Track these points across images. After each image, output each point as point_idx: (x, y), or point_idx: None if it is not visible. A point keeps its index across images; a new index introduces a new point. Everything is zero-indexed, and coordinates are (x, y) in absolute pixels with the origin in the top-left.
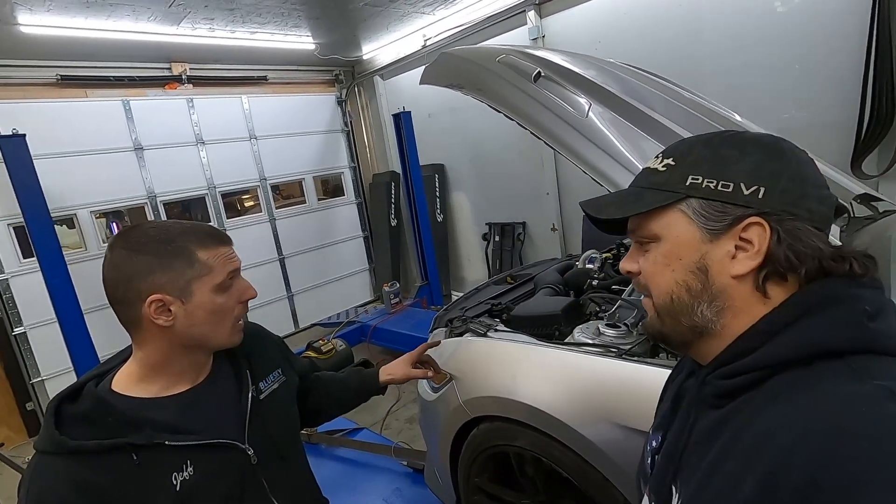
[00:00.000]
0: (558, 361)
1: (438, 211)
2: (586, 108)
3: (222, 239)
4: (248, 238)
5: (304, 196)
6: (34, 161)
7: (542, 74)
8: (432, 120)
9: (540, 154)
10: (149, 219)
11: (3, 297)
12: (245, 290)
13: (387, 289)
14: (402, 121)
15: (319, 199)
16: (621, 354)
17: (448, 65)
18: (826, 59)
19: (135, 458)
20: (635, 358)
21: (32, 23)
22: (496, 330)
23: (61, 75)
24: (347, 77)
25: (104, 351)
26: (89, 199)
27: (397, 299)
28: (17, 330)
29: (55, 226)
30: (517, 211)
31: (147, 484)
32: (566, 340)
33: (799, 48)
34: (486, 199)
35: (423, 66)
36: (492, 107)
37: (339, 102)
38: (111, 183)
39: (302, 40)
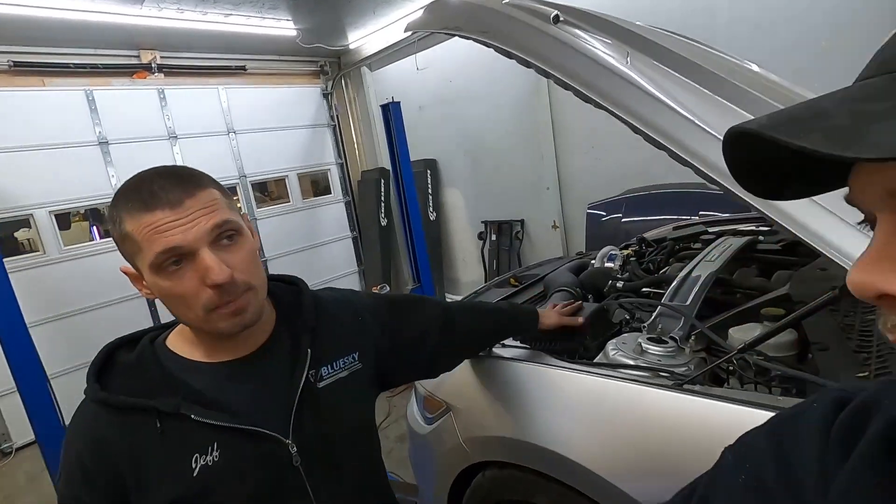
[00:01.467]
0: (589, 390)
1: (431, 209)
2: (625, 51)
3: (152, 201)
4: None
5: (288, 194)
6: None
7: (562, 18)
8: (423, 113)
9: (539, 146)
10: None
11: None
12: (206, 271)
13: (375, 292)
14: (391, 112)
15: (304, 198)
16: (682, 384)
17: (442, 11)
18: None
19: (158, 425)
20: (698, 388)
21: None
22: (502, 344)
23: (14, 62)
24: (333, 68)
25: (54, 368)
26: (48, 198)
27: None
28: None
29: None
30: (515, 208)
31: (163, 458)
32: (597, 359)
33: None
34: (482, 196)
35: (413, 55)
36: (502, 51)
37: (325, 95)
38: (73, 181)
39: (282, 25)
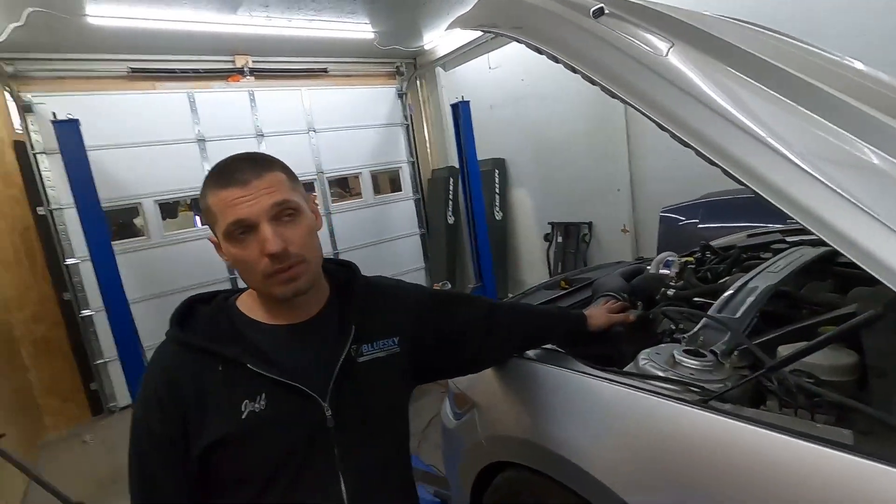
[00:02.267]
0: (611, 399)
1: (497, 208)
2: (666, 47)
3: (228, 180)
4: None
5: (361, 191)
6: (106, 151)
7: (606, 11)
8: (494, 112)
9: (611, 146)
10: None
11: (73, 280)
12: (264, 242)
13: (437, 289)
14: (460, 111)
15: (377, 195)
16: (707, 400)
17: (485, 8)
18: None
19: (220, 368)
20: (729, 408)
21: (99, 13)
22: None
23: (131, 68)
24: (409, 69)
25: (151, 340)
26: (153, 189)
27: None
28: (85, 312)
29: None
30: (583, 209)
31: (220, 398)
32: (627, 368)
33: None
34: (549, 197)
35: (486, 54)
36: (534, 47)
37: (400, 95)
38: (175, 174)
39: (360, 28)
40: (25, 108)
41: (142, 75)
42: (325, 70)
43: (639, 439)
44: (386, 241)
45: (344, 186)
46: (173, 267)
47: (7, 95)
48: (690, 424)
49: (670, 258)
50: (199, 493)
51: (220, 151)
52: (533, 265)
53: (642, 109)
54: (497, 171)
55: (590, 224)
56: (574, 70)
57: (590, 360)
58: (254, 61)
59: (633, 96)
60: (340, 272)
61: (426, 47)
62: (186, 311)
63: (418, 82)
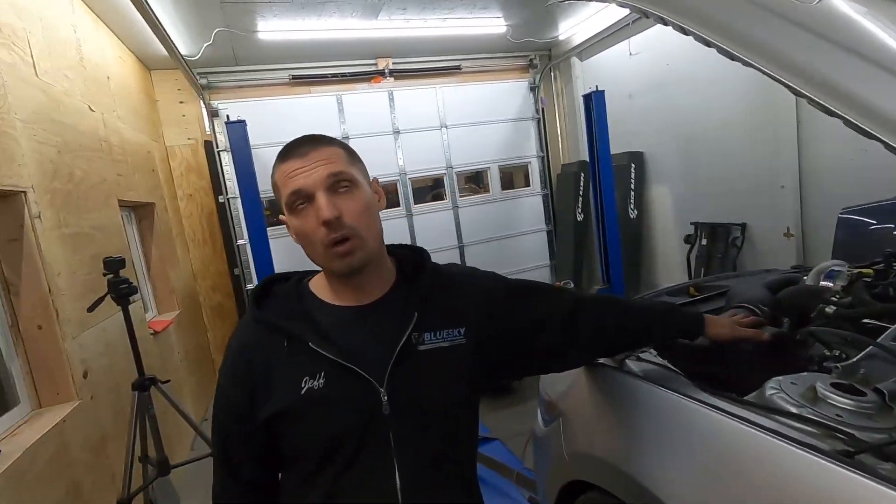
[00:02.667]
0: (720, 433)
1: (632, 206)
2: None
3: (289, 154)
4: (431, 224)
5: (488, 185)
6: (267, 149)
7: None
8: (633, 101)
9: (775, 135)
10: None
11: (241, 258)
12: (318, 209)
13: (558, 286)
14: (593, 101)
15: (504, 190)
16: (856, 453)
17: None
18: None
19: (286, 344)
20: (890, 469)
21: (266, 29)
22: (639, 358)
23: (292, 75)
24: (543, 61)
25: None
26: None
27: None
28: (249, 286)
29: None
30: (735, 209)
31: (284, 371)
32: (748, 397)
33: None
34: (694, 194)
35: (627, 40)
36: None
37: (532, 88)
38: None
39: (493, 23)
40: (213, 113)
41: (300, 81)
42: (458, 67)
43: (753, 491)
44: (511, 237)
45: (478, 182)
46: None
47: (201, 103)
48: (829, 484)
49: (836, 268)
50: (268, 461)
51: (362, 148)
52: (670, 269)
53: (796, 86)
54: (633, 165)
55: (743, 225)
56: (708, 44)
57: (707, 382)
58: (393, 63)
59: (778, 67)
60: (410, 257)
61: (561, 37)
62: (264, 289)
63: (552, 74)
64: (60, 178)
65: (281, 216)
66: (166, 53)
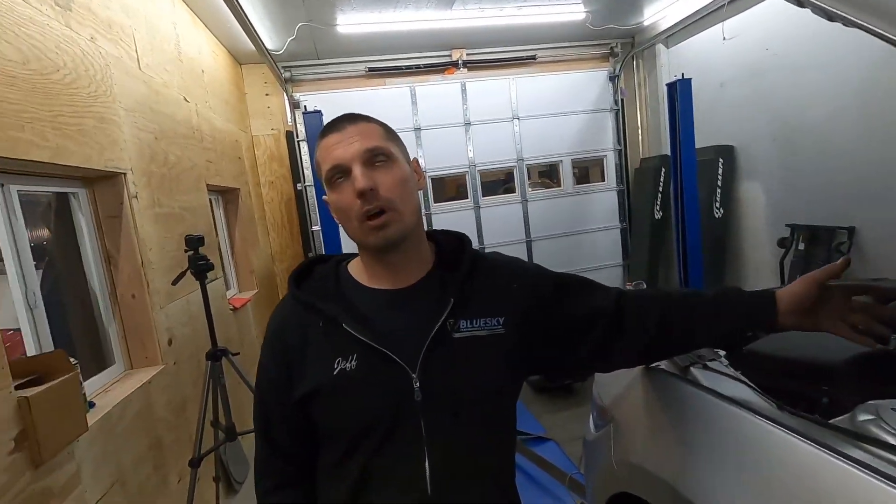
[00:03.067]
0: (802, 464)
1: (717, 204)
2: None
3: (328, 130)
4: (499, 217)
5: (560, 179)
6: None
7: None
8: (724, 91)
9: (894, 125)
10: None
11: (315, 244)
12: (354, 180)
13: (629, 288)
14: (678, 91)
15: (576, 184)
16: None
17: None
18: None
19: (321, 324)
20: None
21: (345, 22)
22: (706, 366)
23: (369, 68)
24: (625, 49)
25: None
26: None
27: None
28: None
29: None
30: (841, 211)
31: (318, 351)
32: (835, 421)
33: None
34: (792, 193)
35: (721, 23)
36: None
37: (611, 78)
38: None
39: (571, 9)
40: (294, 105)
41: (376, 73)
42: (533, 57)
43: None
44: (582, 233)
45: (551, 176)
46: None
47: (284, 95)
48: None
49: None
50: (306, 439)
51: (432, 139)
52: (760, 275)
53: None
54: (721, 160)
55: (850, 229)
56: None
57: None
58: (467, 54)
59: None
60: (450, 243)
61: (646, 23)
62: (305, 269)
63: (634, 63)
64: (156, 162)
65: (324, 197)
66: (254, 48)
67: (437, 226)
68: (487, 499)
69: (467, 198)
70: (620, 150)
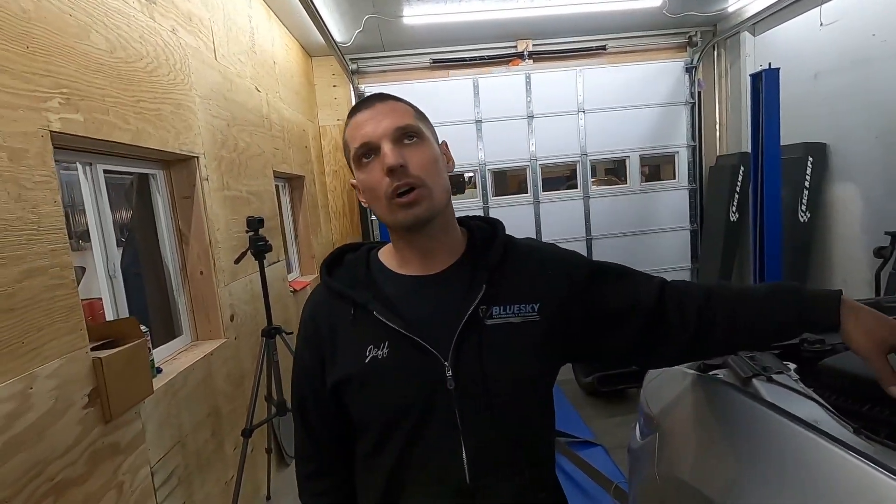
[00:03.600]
0: (882, 500)
1: (804, 208)
2: None
3: (357, 108)
4: (559, 214)
5: (626, 176)
6: None
7: None
8: (818, 82)
9: None
10: (476, 186)
11: (372, 232)
12: (384, 157)
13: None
14: (764, 81)
15: (643, 182)
16: None
17: None
18: None
19: (352, 312)
20: None
21: (411, 13)
22: (770, 379)
23: (433, 59)
24: (705, 37)
25: None
26: None
27: None
28: None
29: None
30: None
31: (350, 338)
32: None
33: None
34: (895, 196)
35: (818, 7)
36: None
37: (688, 69)
38: (454, 152)
39: None
40: (360, 96)
41: (440, 65)
42: (603, 47)
43: None
44: (647, 234)
45: (617, 173)
46: None
47: (350, 87)
48: None
49: None
50: (341, 426)
51: (493, 132)
52: (851, 286)
53: None
54: (811, 159)
55: None
56: None
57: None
58: (533, 44)
59: None
60: (482, 228)
61: (730, 9)
62: (336, 257)
63: (715, 52)
64: (227, 148)
65: (352, 181)
66: (324, 41)
67: None
68: (528, 487)
69: (527, 192)
70: (695, 146)
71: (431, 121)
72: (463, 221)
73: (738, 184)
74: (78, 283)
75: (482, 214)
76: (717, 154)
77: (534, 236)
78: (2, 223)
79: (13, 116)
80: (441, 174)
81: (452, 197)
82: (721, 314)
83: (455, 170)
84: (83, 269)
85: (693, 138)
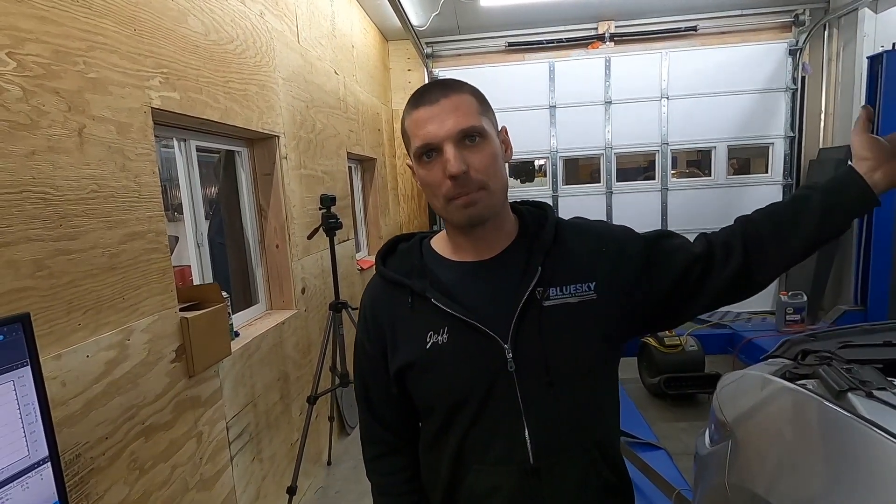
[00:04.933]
0: None
1: None
2: None
3: (420, 101)
4: (634, 205)
5: (711, 167)
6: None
7: None
8: None
9: None
10: (548, 174)
11: (438, 218)
12: (446, 163)
13: (784, 298)
14: (885, 64)
15: (731, 174)
16: None
17: None
18: None
19: (410, 300)
20: None
21: None
22: (871, 395)
23: (508, 43)
24: (815, 15)
25: None
26: None
27: (798, 317)
28: None
29: None
30: None
31: (409, 326)
32: None
33: None
34: None
35: None
36: None
37: (792, 52)
38: (526, 138)
39: None
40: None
41: (515, 48)
42: (694, 28)
43: None
44: None
45: (700, 166)
46: None
47: (424, 70)
48: None
49: None
50: (405, 409)
51: (567, 118)
52: None
53: None
54: None
55: None
56: None
57: None
58: (616, 26)
59: None
60: (533, 213)
61: None
62: (391, 247)
63: (826, 32)
64: (305, 128)
65: (408, 162)
66: (401, 25)
67: (563, 209)
68: (593, 467)
69: (599, 182)
70: (794, 137)
71: (502, 106)
72: (513, 207)
73: None
74: (171, 252)
75: (543, 202)
76: (821, 147)
77: None
78: (109, 190)
79: (121, 93)
80: (500, 171)
81: (521, 185)
82: (764, 227)
83: (525, 157)
84: (177, 239)
85: (792, 128)
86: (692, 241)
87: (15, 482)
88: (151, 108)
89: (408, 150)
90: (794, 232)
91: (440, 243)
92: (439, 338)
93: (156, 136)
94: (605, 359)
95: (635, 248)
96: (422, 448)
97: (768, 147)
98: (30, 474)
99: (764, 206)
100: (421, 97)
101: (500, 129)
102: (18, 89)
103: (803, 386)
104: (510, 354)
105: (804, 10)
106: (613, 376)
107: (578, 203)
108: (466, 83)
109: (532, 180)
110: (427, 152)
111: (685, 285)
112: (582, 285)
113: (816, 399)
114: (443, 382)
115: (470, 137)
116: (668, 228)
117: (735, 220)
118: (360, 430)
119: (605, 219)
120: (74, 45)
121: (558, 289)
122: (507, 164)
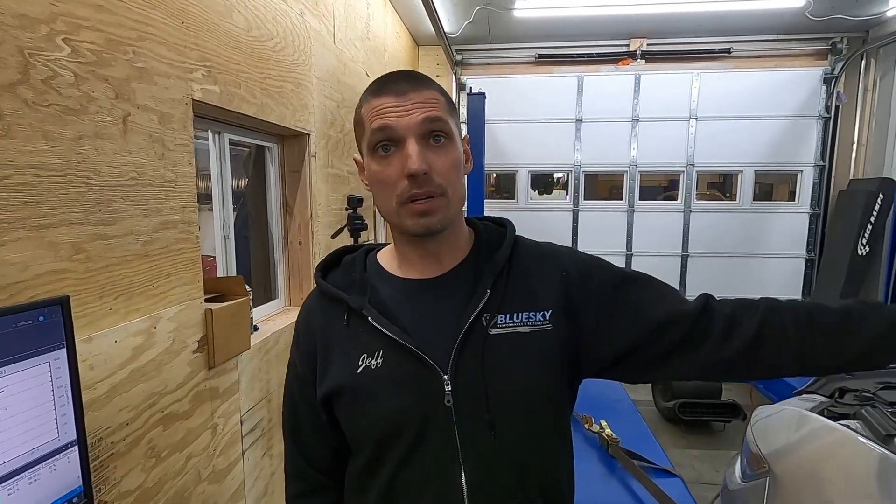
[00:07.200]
0: None
1: None
2: None
3: (383, 89)
4: (654, 225)
5: (736, 192)
6: (500, 125)
7: None
8: None
9: None
10: (569, 188)
11: None
12: (406, 159)
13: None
14: None
15: (755, 200)
16: None
17: None
18: None
19: (346, 317)
20: None
21: (523, 6)
22: None
23: (538, 54)
24: (853, 44)
25: None
26: (528, 161)
27: None
28: None
29: None
30: None
31: (342, 347)
32: None
33: None
34: None
35: None
36: None
37: (827, 79)
38: (549, 150)
39: None
40: (461, 87)
41: (545, 60)
42: (727, 51)
43: None
44: (753, 257)
45: (723, 188)
46: (531, 225)
47: (453, 77)
48: None
49: None
50: (332, 443)
51: (593, 133)
52: None
53: None
54: None
55: None
56: None
57: None
58: (648, 44)
59: None
60: (491, 230)
61: (889, 13)
62: (335, 258)
63: (863, 62)
64: (334, 128)
65: (356, 157)
66: (433, 31)
67: (583, 226)
68: None
69: (621, 199)
70: (824, 166)
71: (528, 117)
72: (469, 221)
73: (875, 213)
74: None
75: (566, 219)
76: (851, 177)
77: (624, 248)
78: (148, 178)
79: (166, 84)
80: (461, 180)
81: (538, 196)
82: (785, 334)
83: (548, 169)
84: (198, 228)
85: (823, 157)
86: (683, 298)
87: (44, 463)
88: (193, 99)
89: (358, 143)
90: (848, 336)
91: (386, 257)
92: (373, 361)
93: (194, 127)
94: (559, 397)
95: (603, 279)
96: (347, 488)
97: (797, 174)
98: (57, 456)
99: (798, 303)
100: (385, 85)
101: (463, 136)
102: (71, 75)
103: (846, 426)
104: (449, 387)
105: (842, 38)
106: (568, 416)
107: (599, 220)
108: (433, 80)
109: (550, 192)
110: (384, 144)
111: (656, 344)
112: (536, 313)
113: (863, 442)
114: (372, 412)
115: (435, 136)
116: (689, 250)
117: (759, 299)
118: (284, 466)
119: (625, 237)
120: (126, 34)
121: (508, 316)
122: (465, 177)
